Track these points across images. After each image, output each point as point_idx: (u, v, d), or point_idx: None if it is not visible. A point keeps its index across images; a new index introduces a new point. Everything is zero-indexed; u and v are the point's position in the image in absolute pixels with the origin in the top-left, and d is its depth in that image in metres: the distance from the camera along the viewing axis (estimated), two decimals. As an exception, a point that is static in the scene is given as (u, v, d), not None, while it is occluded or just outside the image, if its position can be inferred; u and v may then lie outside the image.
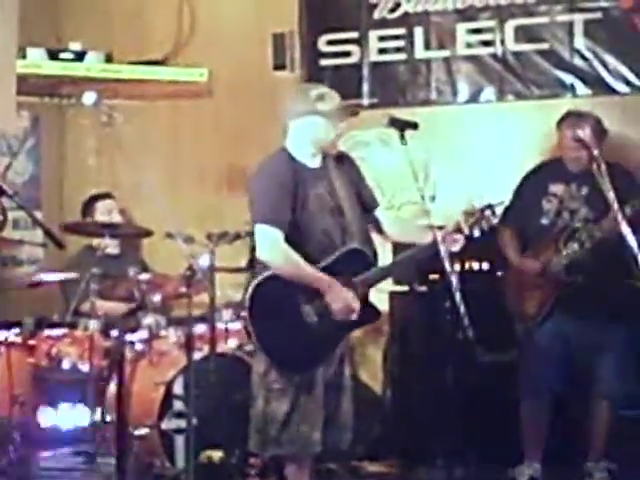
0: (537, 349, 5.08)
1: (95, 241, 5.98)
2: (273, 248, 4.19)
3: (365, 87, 6.40)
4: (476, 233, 4.26)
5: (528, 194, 5.22)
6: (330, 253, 4.24)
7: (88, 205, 6.29)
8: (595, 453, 5.12)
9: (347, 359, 4.42)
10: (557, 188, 5.15)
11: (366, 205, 4.43)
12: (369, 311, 4.31)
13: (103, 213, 6.18)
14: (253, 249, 4.33)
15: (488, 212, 4.28)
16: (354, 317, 4.20)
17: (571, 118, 5.09)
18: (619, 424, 5.11)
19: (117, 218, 6.22)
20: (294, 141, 4.34)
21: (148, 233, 5.75)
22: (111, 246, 6.08)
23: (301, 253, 4.18)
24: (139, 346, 5.33)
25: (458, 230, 4.26)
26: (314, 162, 4.35)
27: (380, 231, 4.47)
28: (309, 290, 4.17)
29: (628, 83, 5.89)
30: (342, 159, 4.42)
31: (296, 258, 4.18)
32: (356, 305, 4.19)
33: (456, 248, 4.25)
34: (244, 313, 4.26)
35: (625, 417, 5.16)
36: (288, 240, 4.18)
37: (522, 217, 5.19)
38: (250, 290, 4.19)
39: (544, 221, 5.14)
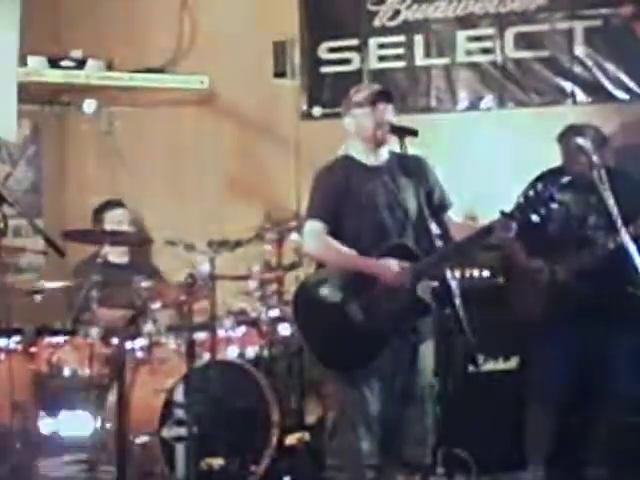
0: (543, 356, 5.08)
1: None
2: (314, 239, 4.25)
3: (365, 94, 6.41)
4: (534, 218, 4.08)
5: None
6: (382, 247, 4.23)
7: (100, 211, 6.19)
8: (598, 459, 5.12)
9: (420, 367, 4.31)
10: (564, 196, 5.13)
11: (435, 206, 4.36)
12: (418, 305, 4.21)
13: (112, 222, 6.06)
14: None
15: (542, 197, 4.08)
16: (407, 284, 4.12)
17: (572, 131, 5.09)
18: (623, 430, 5.10)
19: (126, 228, 6.13)
20: (348, 141, 4.39)
21: (148, 241, 5.74)
22: (117, 255, 6.06)
23: (352, 246, 4.20)
24: (139, 354, 5.33)
25: (510, 217, 4.10)
26: (373, 160, 4.35)
27: (447, 233, 4.36)
28: (355, 288, 4.16)
29: (628, 90, 5.89)
30: (409, 158, 4.33)
31: (337, 246, 4.21)
32: (406, 272, 4.11)
33: (510, 234, 4.12)
34: (289, 307, 4.28)
35: (629, 423, 5.15)
36: (338, 234, 4.22)
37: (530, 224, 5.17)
38: (298, 285, 4.21)
39: (552, 229, 5.13)
